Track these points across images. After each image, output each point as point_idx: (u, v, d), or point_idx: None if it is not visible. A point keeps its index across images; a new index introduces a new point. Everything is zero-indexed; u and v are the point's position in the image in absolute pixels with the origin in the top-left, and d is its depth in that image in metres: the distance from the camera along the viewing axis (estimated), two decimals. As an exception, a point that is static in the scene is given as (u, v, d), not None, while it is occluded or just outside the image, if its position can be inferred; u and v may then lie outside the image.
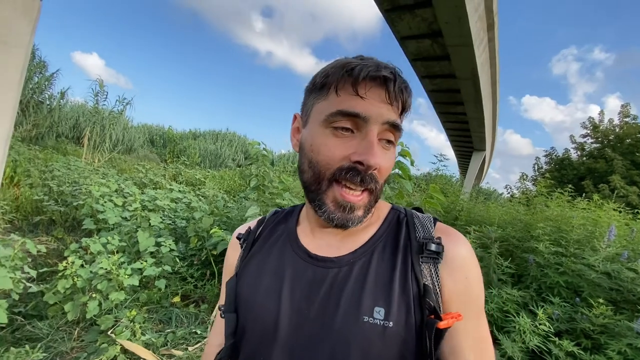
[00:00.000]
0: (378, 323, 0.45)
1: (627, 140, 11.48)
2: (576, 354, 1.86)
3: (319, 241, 0.56)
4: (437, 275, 0.48)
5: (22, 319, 2.30)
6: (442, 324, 0.43)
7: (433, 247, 0.49)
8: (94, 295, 2.29)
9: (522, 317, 1.90)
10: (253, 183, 2.77)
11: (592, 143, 12.64)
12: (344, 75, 0.48)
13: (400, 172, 1.88)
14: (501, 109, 20.45)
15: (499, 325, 2.19)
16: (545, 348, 1.89)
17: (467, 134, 21.96)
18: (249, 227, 0.65)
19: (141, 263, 2.65)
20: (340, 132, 0.49)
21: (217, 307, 0.65)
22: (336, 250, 0.53)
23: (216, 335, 0.66)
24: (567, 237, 2.63)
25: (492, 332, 2.10)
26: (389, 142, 0.51)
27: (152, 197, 4.41)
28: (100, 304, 2.29)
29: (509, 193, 8.51)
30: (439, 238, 0.51)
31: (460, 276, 0.49)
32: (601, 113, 12.86)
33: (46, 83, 11.57)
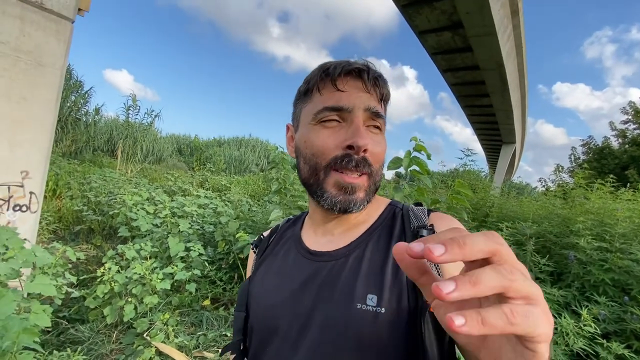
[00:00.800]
0: (370, 309, 0.47)
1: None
2: (627, 357, 1.71)
3: (320, 239, 0.59)
4: None
5: (66, 323, 2.45)
6: (432, 308, 0.44)
7: (425, 232, 0.51)
8: (129, 299, 2.39)
9: (565, 317, 1.78)
10: (274, 187, 2.80)
11: (634, 129, 11.70)
12: (322, 76, 0.54)
13: (417, 167, 1.81)
14: (530, 99, 19.46)
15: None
16: (591, 351, 1.75)
17: (494, 127, 21.08)
18: (262, 235, 0.72)
19: (172, 268, 2.74)
20: (328, 124, 0.53)
21: None
22: (334, 245, 0.57)
23: None
24: (611, 231, 2.44)
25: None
26: (376, 127, 0.55)
27: (180, 204, 4.58)
28: (135, 308, 2.39)
29: (543, 186, 8.05)
30: (432, 225, 0.53)
31: None
32: (644, 96, 11.89)
33: (82, 101, 12.37)
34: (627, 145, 11.44)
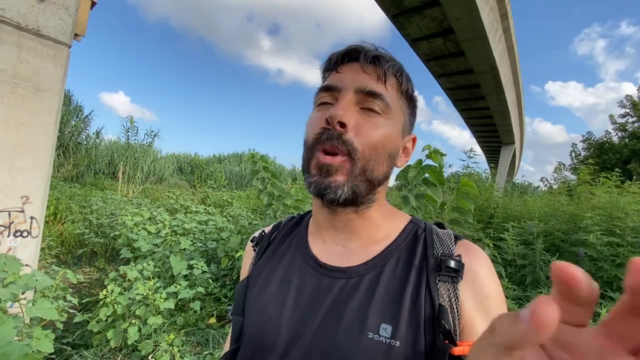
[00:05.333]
0: (384, 341, 0.42)
1: (674, 115, 10.55)
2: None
3: (330, 249, 0.53)
4: (457, 296, 0.44)
5: (70, 349, 2.39)
6: (457, 350, 0.40)
7: (452, 264, 0.45)
8: (133, 321, 2.34)
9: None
10: (265, 200, 2.65)
11: (634, 122, 11.69)
12: (327, 63, 0.55)
13: (429, 176, 1.74)
14: (525, 99, 19.57)
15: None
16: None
17: (492, 129, 21.14)
18: (263, 232, 0.65)
19: (175, 286, 2.69)
20: (322, 106, 0.52)
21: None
22: (347, 260, 0.51)
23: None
24: (621, 225, 2.39)
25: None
26: (372, 110, 0.50)
27: (181, 222, 4.55)
28: (139, 330, 2.33)
29: (546, 185, 7.99)
30: (459, 255, 0.47)
31: (482, 295, 0.45)
32: (640, 89, 11.93)
33: (82, 125, 12.52)
34: (627, 139, 11.40)
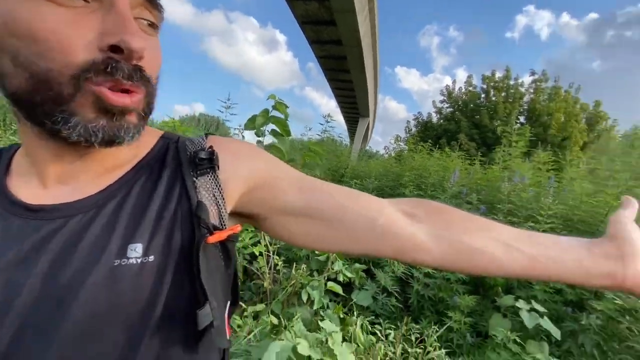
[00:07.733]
0: (134, 262, 0.36)
1: (470, 106, 14.38)
2: (431, 274, 2.29)
3: (52, 189, 0.40)
4: (218, 184, 0.42)
5: None
6: (211, 239, 0.38)
7: (203, 154, 0.42)
8: None
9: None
10: None
11: (447, 107, 15.35)
12: None
13: (277, 128, 1.77)
14: (380, 78, 22.61)
15: (375, 262, 2.50)
16: (409, 273, 2.26)
17: (354, 101, 23.74)
18: None
19: None
20: (66, 0, 0.31)
21: None
22: (79, 194, 0.39)
23: None
24: (426, 182, 3.13)
25: (369, 269, 2.36)
26: (151, 24, 0.37)
27: None
28: None
29: (387, 153, 9.69)
30: (211, 147, 0.44)
31: (245, 168, 0.45)
32: (454, 82, 15.64)
33: None
34: (442, 120, 14.91)
